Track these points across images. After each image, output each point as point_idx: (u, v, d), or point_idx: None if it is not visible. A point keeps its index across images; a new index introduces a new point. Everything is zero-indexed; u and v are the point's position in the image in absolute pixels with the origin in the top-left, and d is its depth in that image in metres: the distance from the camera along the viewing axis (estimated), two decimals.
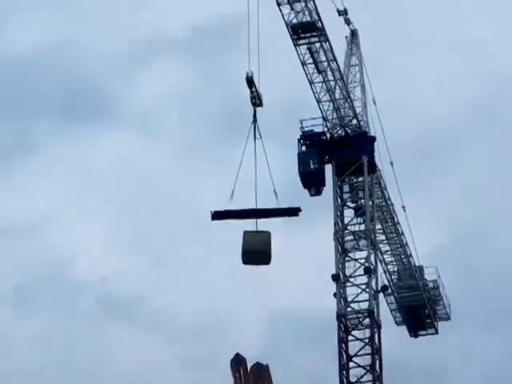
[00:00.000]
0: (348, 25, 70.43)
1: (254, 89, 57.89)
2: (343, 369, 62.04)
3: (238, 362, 49.46)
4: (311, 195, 66.26)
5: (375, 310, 63.90)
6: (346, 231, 66.33)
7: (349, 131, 67.12)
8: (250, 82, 57.47)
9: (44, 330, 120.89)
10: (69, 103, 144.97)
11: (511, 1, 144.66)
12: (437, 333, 73.55)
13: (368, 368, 62.16)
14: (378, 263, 68.10)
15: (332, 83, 64.52)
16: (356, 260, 65.03)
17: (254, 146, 57.24)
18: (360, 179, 66.98)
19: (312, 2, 62.76)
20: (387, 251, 71.31)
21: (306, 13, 62.25)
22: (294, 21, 62.29)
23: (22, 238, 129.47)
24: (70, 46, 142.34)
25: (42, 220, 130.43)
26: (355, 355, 61.98)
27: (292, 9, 62.40)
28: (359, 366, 62.03)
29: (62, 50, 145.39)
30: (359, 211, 67.44)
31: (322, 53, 63.65)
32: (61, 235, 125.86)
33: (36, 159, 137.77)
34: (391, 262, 72.14)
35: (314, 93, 65.12)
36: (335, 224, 65.85)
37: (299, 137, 66.27)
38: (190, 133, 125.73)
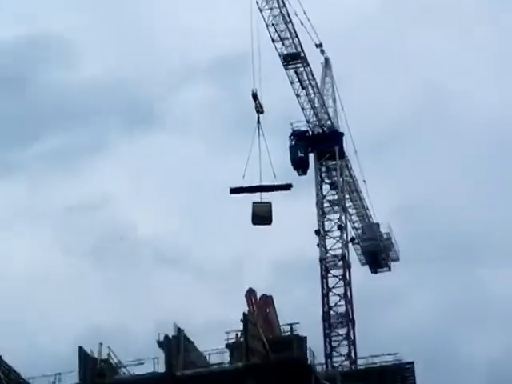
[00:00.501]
0: (322, 54, 71.64)
1: (257, 101, 59.68)
2: (325, 296, 64.02)
3: (250, 293, 50.95)
4: (299, 175, 67.08)
5: (346, 254, 65.72)
6: (324, 200, 67.94)
7: (325, 129, 68.37)
8: (254, 96, 59.44)
9: (115, 277, 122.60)
10: (131, 113, 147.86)
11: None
12: (390, 270, 73.84)
13: (342, 296, 63.87)
14: (348, 222, 69.46)
15: (312, 96, 66.40)
16: (332, 220, 66.88)
17: (258, 141, 58.73)
18: (333, 163, 68.33)
19: (297, 39, 64.78)
20: (354, 213, 72.07)
21: (293, 46, 64.23)
22: (285, 52, 64.13)
23: (97, 211, 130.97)
24: (133, 70, 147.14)
25: (113, 197, 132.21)
26: (333, 287, 64.01)
27: (283, 44, 64.03)
28: (336, 294, 63.78)
29: (126, 73, 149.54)
30: (333, 185, 68.94)
31: (304, 74, 65.28)
32: (125, 208, 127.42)
33: (108, 154, 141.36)
34: (357, 221, 72.91)
35: (299, 102, 66.60)
36: (316, 195, 67.98)
37: (290, 134, 68.30)
38: (214, 132, 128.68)
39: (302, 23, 66.86)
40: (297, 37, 65.58)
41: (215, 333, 52.89)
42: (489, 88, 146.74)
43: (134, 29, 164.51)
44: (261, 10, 63.91)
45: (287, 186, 59.72)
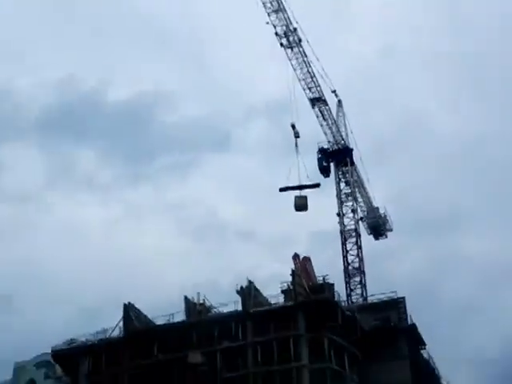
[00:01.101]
0: (336, 97, 70.39)
1: (295, 129, 60.13)
2: (344, 256, 65.88)
3: (295, 256, 52.21)
4: (324, 177, 67.30)
5: (357, 228, 67.48)
6: (341, 193, 68.66)
7: (340, 147, 68.62)
8: (293, 126, 60.15)
9: (208, 248, 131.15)
10: (215, 140, 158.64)
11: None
12: (386, 237, 74.02)
13: (356, 255, 65.83)
14: (358, 207, 70.10)
15: (330, 125, 66.62)
16: (347, 206, 67.96)
17: (296, 155, 59.36)
18: (346, 168, 68.85)
19: (319, 87, 63.87)
20: (361, 201, 71.48)
21: (317, 93, 64.13)
22: (311, 97, 64.11)
23: (198, 206, 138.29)
24: (212, 109, 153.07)
25: (207, 197, 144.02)
26: (350, 250, 65.94)
27: (310, 91, 63.46)
28: (351, 254, 65.46)
29: (208, 111, 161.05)
30: (347, 183, 69.17)
31: (325, 111, 65.28)
32: (215, 204, 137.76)
33: (202, 168, 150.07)
34: (363, 206, 72.39)
35: (322, 129, 66.38)
36: (336, 190, 68.82)
37: (317, 150, 68.39)
38: (269, 151, 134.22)
39: (322, 77, 65.15)
40: (319, 85, 65.10)
41: (274, 283, 52.88)
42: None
43: (211, 80, 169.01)
44: (295, 69, 63.44)
45: (317, 185, 60.83)
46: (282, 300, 49.09)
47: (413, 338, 53.77)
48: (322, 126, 64.61)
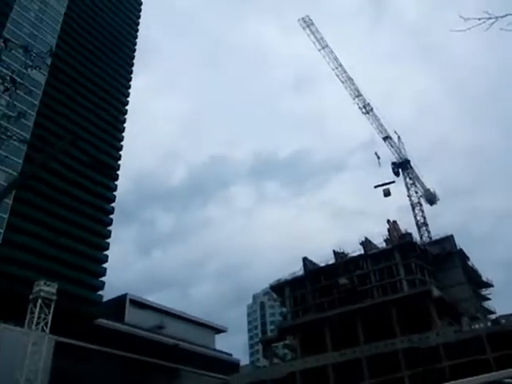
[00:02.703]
0: (396, 134, 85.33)
1: (377, 155, 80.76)
2: (414, 217, 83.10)
3: (388, 220, 74.13)
4: (397, 177, 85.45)
5: (419, 201, 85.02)
6: (408, 183, 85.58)
7: (403, 159, 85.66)
8: (375, 153, 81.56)
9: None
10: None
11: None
12: (437, 204, 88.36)
13: (421, 215, 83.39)
14: (418, 191, 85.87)
15: (396, 148, 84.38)
16: (412, 191, 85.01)
17: (380, 167, 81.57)
18: (408, 170, 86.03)
19: (387, 131, 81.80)
20: (419, 187, 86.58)
21: (385, 133, 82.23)
22: (382, 136, 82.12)
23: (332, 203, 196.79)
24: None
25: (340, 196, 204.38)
26: (416, 214, 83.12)
27: (382, 134, 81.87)
28: (418, 216, 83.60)
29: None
30: (410, 179, 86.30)
31: (392, 142, 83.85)
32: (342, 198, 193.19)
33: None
34: (421, 190, 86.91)
35: (391, 152, 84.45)
36: (404, 182, 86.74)
37: (391, 163, 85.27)
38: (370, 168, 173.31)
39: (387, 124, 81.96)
40: (386, 130, 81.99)
41: (379, 237, 76.10)
42: None
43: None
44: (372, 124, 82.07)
45: (393, 182, 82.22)
46: (385, 245, 73.04)
47: (461, 257, 73.43)
48: (391, 150, 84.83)
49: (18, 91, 8.76)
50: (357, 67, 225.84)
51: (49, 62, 58.90)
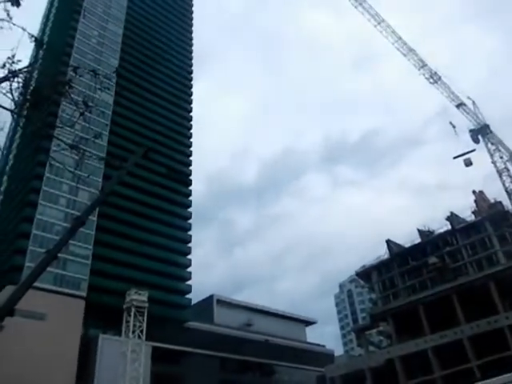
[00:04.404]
0: (470, 99, 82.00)
1: (452, 124, 77.49)
2: (503, 184, 78.76)
3: (473, 191, 72.62)
4: (477, 144, 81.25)
5: (506, 166, 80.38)
6: (490, 150, 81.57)
7: (482, 125, 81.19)
8: (450, 122, 78.24)
9: None
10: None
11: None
12: None
13: (510, 182, 78.98)
14: (503, 155, 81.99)
15: (472, 114, 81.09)
16: (495, 157, 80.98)
17: (457, 136, 78.33)
18: (488, 135, 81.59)
19: (459, 97, 79.50)
20: (503, 150, 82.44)
21: (458, 100, 79.34)
22: (454, 104, 79.31)
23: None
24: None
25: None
26: (505, 179, 78.73)
27: (454, 101, 79.25)
28: (507, 182, 78.56)
29: None
30: (492, 143, 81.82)
31: (466, 108, 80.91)
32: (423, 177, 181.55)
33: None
34: (505, 152, 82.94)
35: (467, 119, 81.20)
36: (486, 148, 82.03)
37: (469, 130, 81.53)
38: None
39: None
40: (458, 96, 79.04)
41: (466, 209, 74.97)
42: None
43: None
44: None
45: (473, 150, 78.49)
46: (474, 218, 70.24)
47: None
48: (466, 117, 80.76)
49: (91, 114, 9.21)
50: (418, 38, 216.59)
51: (114, 82, 62.24)
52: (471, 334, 55.97)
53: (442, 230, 72.60)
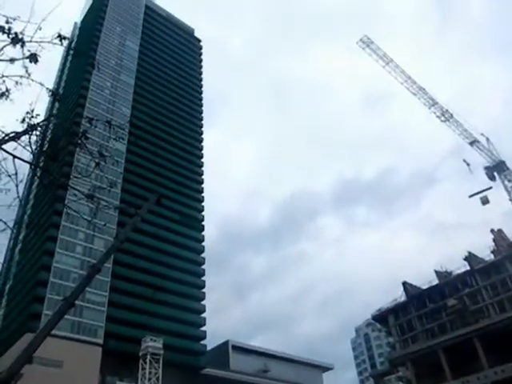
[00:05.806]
0: (483, 136, 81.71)
1: (466, 162, 76.24)
2: None
3: (492, 229, 70.12)
4: (493, 181, 79.65)
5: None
6: (508, 187, 79.55)
7: (497, 161, 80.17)
8: (464, 160, 77.33)
9: None
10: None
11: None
12: None
13: None
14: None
15: (486, 151, 79.34)
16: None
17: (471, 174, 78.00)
18: (505, 172, 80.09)
19: (471, 134, 77.96)
20: None
21: (471, 138, 78.34)
22: (468, 141, 78.41)
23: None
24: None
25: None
26: None
27: (467, 138, 77.52)
28: None
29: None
30: (509, 180, 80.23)
31: (479, 145, 79.51)
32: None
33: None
34: None
35: (481, 156, 79.94)
36: (503, 185, 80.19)
37: (484, 167, 79.89)
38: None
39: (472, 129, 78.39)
40: (471, 134, 77.58)
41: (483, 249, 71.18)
42: None
43: None
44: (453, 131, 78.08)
45: (490, 188, 77.55)
46: (493, 257, 67.36)
47: None
48: (481, 154, 79.02)
49: (105, 163, 9.52)
50: (427, 75, 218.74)
51: (127, 131, 64.31)
52: (495, 380, 54.06)
53: (460, 271, 70.51)
